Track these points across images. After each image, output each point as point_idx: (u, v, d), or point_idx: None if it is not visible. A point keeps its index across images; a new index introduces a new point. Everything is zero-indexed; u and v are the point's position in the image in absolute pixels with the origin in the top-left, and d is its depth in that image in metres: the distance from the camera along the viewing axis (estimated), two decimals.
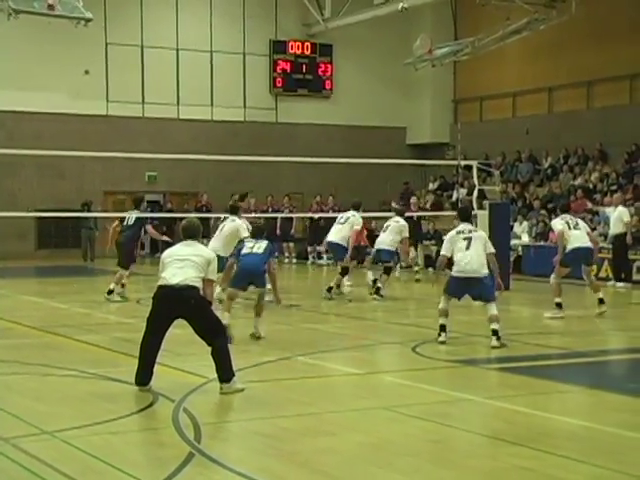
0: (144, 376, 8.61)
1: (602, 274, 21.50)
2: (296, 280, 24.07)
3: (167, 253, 8.89)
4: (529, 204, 26.83)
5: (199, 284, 8.57)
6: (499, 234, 17.85)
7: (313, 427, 7.45)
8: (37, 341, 12.24)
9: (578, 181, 26.88)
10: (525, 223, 25.19)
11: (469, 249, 11.74)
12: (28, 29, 25.84)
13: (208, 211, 26.47)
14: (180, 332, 9.89)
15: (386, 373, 9.89)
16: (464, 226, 12.16)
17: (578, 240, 14.57)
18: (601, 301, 14.90)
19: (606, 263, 21.39)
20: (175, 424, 7.39)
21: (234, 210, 15.76)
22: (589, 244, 14.73)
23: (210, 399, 8.47)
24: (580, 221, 15.07)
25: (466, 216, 12.42)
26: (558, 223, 14.88)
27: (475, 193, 21.60)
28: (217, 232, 15.53)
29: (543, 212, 25.58)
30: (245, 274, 11.85)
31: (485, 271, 11.79)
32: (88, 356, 10.84)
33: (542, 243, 23.86)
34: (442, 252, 12.12)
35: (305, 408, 8.11)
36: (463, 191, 26.97)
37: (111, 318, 14.53)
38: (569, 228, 14.65)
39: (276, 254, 22.95)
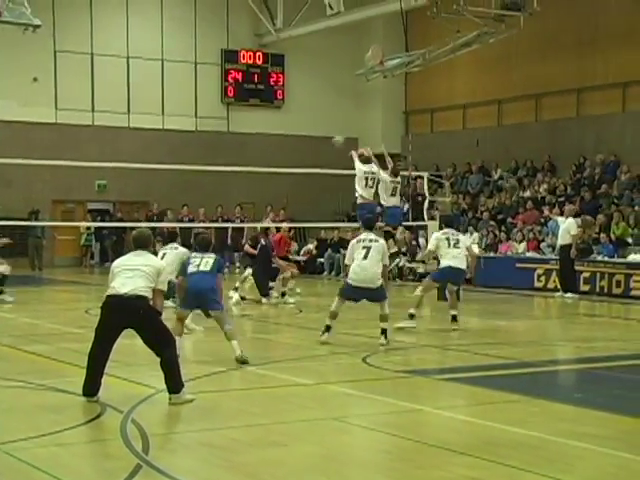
0: (92, 387, 8.50)
1: (550, 285, 21.77)
2: (248, 290, 23.92)
3: (117, 263, 8.78)
4: (479, 215, 27.07)
5: (149, 294, 8.50)
6: None
7: (262, 438, 7.41)
8: None
9: (527, 193, 27.18)
10: (475, 234, 25.41)
11: (366, 259, 12.30)
12: None
13: (159, 220, 26.38)
14: (129, 342, 9.83)
15: (336, 384, 9.82)
16: (365, 235, 12.73)
17: (453, 259, 14.23)
18: (454, 318, 14.36)
19: (554, 274, 21.64)
20: (123, 435, 7.30)
21: (173, 237, 15.20)
22: (462, 265, 14.41)
23: (159, 410, 8.39)
24: (462, 238, 14.78)
25: (369, 225, 13.09)
26: (435, 238, 14.63)
27: (426, 204, 21.78)
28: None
29: (493, 223, 25.83)
30: (193, 296, 10.96)
31: (379, 282, 12.43)
32: (35, 367, 10.71)
33: (492, 254, 24.08)
34: (346, 261, 12.82)
35: (255, 419, 8.05)
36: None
37: (59, 328, 14.35)
38: (448, 245, 14.29)
39: (226, 265, 22.82)
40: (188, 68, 31.58)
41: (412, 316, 14.21)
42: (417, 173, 25.18)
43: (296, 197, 30.31)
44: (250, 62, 32.43)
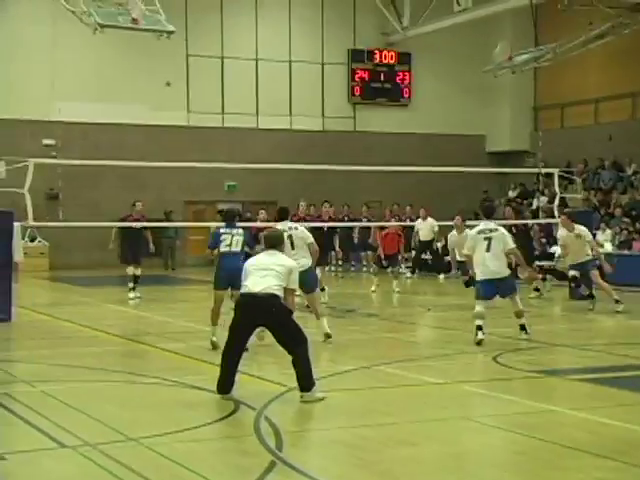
0: (226, 384, 8.64)
1: None
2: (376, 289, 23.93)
3: (250, 262, 8.96)
4: (612, 212, 26.35)
5: (280, 293, 8.60)
6: None
7: (394, 436, 7.39)
8: (121, 349, 12.44)
9: None
10: (608, 231, 24.73)
11: (489, 251, 12.09)
12: (111, 42, 26.29)
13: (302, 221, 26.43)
14: (260, 340, 9.97)
15: (467, 383, 9.68)
16: (485, 225, 12.44)
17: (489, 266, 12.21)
18: (522, 327, 12.68)
19: None
20: (257, 432, 7.39)
21: (285, 214, 13.77)
22: (503, 273, 12.30)
23: (291, 408, 8.46)
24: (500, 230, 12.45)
25: (489, 213, 12.69)
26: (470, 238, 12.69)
27: (556, 201, 21.32)
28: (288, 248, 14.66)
29: (626, 220, 25.08)
30: (227, 276, 11.59)
31: (507, 272, 12.30)
32: (171, 364, 10.91)
33: (626, 252, 23.38)
34: (465, 251, 12.47)
35: (385, 417, 8.04)
36: (544, 199, 26.64)
37: (192, 326, 14.50)
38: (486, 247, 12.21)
39: (352, 264, 22.91)
40: (315, 69, 31.82)
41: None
42: (547, 170, 24.67)
43: (423, 195, 30.09)
44: (377, 61, 32.44)
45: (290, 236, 12.32)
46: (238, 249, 11.73)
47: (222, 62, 30.68)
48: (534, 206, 27.78)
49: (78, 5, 23.23)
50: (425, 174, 27.30)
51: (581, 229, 16.42)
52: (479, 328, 12.12)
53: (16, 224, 15.29)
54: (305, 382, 8.53)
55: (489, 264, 12.15)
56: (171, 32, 23.62)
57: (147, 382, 9.64)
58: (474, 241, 12.37)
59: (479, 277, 12.34)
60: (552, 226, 23.62)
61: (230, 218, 12.17)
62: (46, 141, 28.52)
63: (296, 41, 31.56)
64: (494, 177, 31.60)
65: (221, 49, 30.63)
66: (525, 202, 29.42)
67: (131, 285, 18.97)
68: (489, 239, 12.17)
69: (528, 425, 7.74)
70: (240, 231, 11.99)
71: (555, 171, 22.45)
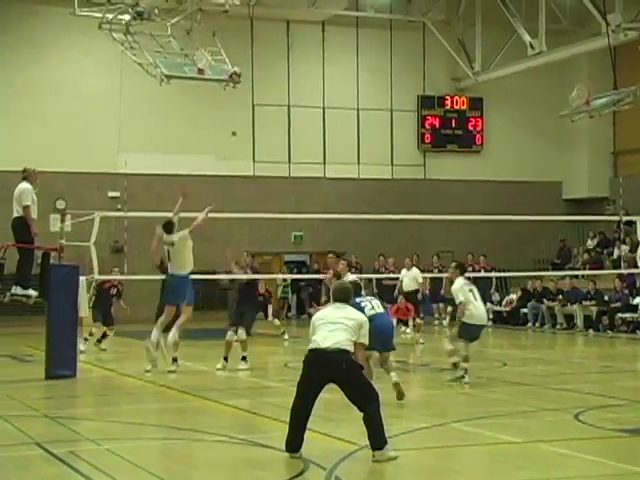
0: (295, 442, 8.42)
1: None
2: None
3: (318, 315, 8.83)
4: None
5: (350, 348, 8.46)
6: None
7: None
8: (187, 405, 12.21)
9: None
10: None
11: (477, 299, 13.42)
12: (176, 92, 26.22)
13: (358, 271, 25.77)
14: (330, 397, 9.61)
15: (548, 442, 9.08)
16: (464, 280, 13.60)
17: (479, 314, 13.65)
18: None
19: None
20: None
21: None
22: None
23: (362, 467, 8.21)
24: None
25: (464, 270, 13.98)
26: (460, 290, 13.53)
27: (639, 250, 20.39)
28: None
29: None
30: (387, 336, 11.77)
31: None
32: (237, 421, 10.83)
33: None
34: (462, 299, 13.37)
35: (462, 478, 7.79)
36: (625, 248, 25.67)
37: (259, 382, 14.44)
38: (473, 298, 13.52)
39: (421, 317, 22.38)
40: (384, 116, 31.42)
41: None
42: (628, 217, 23.65)
43: (496, 245, 29.22)
44: (448, 107, 31.97)
45: (472, 290, 13.52)
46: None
47: (289, 110, 30.47)
48: (615, 256, 26.69)
49: (144, 57, 23.25)
50: (499, 222, 26.43)
51: None
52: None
53: (82, 278, 15.22)
54: (377, 441, 8.24)
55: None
56: (237, 82, 23.37)
57: (213, 440, 9.42)
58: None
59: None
60: (635, 276, 22.62)
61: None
62: (111, 193, 28.51)
63: (364, 88, 31.23)
64: (572, 225, 30.58)
65: (287, 97, 30.46)
66: (605, 251, 28.29)
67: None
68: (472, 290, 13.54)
69: None
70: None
71: (637, 219, 21.51)
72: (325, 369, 8.36)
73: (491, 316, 26.87)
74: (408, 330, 22.89)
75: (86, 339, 18.38)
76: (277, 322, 22.74)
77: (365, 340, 8.67)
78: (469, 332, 13.41)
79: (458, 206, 28.46)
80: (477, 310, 13.35)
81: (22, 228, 14.16)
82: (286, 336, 21.55)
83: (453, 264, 14.13)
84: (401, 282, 22.99)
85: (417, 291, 23.05)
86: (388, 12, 31.10)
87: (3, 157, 26.81)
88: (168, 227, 15.59)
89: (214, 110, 28.91)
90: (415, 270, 23.05)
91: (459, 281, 13.46)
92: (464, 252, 28.07)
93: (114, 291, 19.28)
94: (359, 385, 8.40)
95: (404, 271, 23.24)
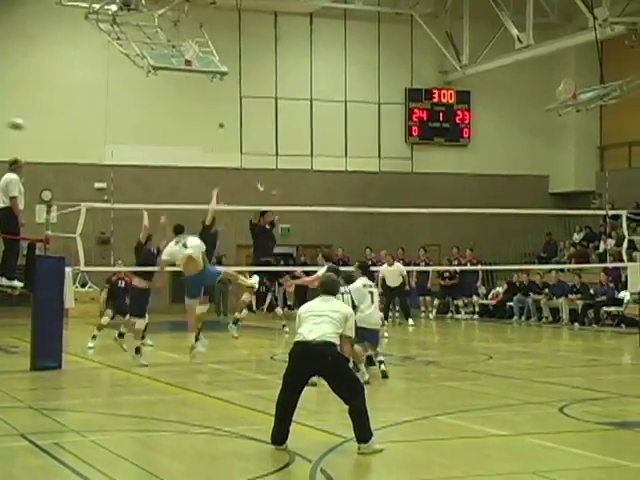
0: (280, 435, 8.41)
1: None
2: (435, 335, 23.12)
3: (304, 308, 8.80)
4: None
5: (336, 340, 8.45)
6: None
7: None
8: (173, 397, 12.15)
9: None
10: None
11: (374, 303, 12.84)
12: (164, 85, 26.15)
13: (345, 264, 25.73)
14: (316, 389, 10.02)
15: (533, 435, 9.09)
16: (365, 280, 12.97)
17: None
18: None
19: None
20: None
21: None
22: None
23: (348, 460, 8.18)
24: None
25: (366, 270, 13.28)
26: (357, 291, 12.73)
27: (625, 244, 20.41)
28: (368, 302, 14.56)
29: None
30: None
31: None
32: (223, 413, 10.75)
33: None
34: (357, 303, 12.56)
35: (448, 471, 7.72)
36: (611, 242, 25.72)
37: (245, 374, 14.38)
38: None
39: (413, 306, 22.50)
40: (371, 109, 31.31)
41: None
42: (614, 211, 23.68)
43: (483, 238, 29.23)
44: (435, 100, 31.91)
45: (371, 292, 12.86)
46: None
47: (276, 103, 30.35)
48: (601, 249, 26.75)
49: (131, 48, 23.16)
50: (486, 216, 26.42)
51: None
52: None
53: (68, 269, 15.10)
54: (362, 433, 8.25)
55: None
56: (224, 73, 23.39)
57: (199, 432, 9.43)
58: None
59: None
60: (620, 270, 22.65)
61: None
62: (98, 185, 28.42)
63: (351, 80, 31.12)
64: (558, 219, 30.58)
65: (275, 90, 30.32)
66: (591, 245, 28.37)
67: None
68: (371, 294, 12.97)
69: None
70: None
71: (623, 213, 21.53)
72: (311, 362, 8.36)
73: (477, 309, 27.07)
74: (410, 321, 23.24)
75: (94, 336, 17.91)
76: (280, 312, 22.34)
77: (351, 333, 8.67)
78: (359, 335, 12.69)
79: (445, 199, 28.41)
80: (369, 316, 12.67)
81: (7, 219, 14.06)
82: (287, 329, 21.15)
83: (356, 263, 13.78)
84: (382, 279, 22.87)
85: (403, 284, 23.09)
86: (376, 4, 31.06)
87: None
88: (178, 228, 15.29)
89: (201, 102, 28.75)
90: (397, 265, 22.99)
91: (360, 281, 12.81)
92: (451, 245, 28.14)
93: (122, 284, 18.86)
94: (345, 378, 8.41)
95: (385, 267, 23.16)
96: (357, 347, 11.68)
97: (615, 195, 26.27)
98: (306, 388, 8.51)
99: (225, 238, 28.93)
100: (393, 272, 22.86)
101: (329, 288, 8.94)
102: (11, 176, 14.09)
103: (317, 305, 8.76)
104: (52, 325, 14.40)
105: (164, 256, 15.04)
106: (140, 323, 15.72)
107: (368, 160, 31.01)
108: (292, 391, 8.42)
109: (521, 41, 27.79)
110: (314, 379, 10.05)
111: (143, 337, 15.87)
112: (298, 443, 8.37)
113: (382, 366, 13.10)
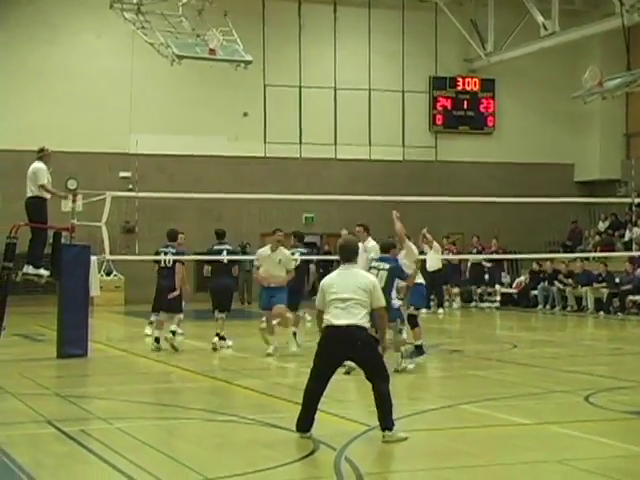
0: (306, 423, 8.37)
1: None
2: (460, 324, 23.07)
3: (327, 281, 8.47)
4: None
5: (366, 322, 8.31)
6: None
7: None
8: (197, 385, 12.25)
9: None
10: None
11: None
12: (188, 74, 26.17)
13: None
14: (339, 378, 9.61)
15: (558, 424, 9.08)
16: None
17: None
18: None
19: None
20: (337, 474, 7.15)
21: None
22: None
23: (372, 448, 8.17)
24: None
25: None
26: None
27: None
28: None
29: None
30: None
31: None
32: (248, 401, 10.79)
33: None
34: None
35: (472, 459, 7.66)
36: (637, 230, 25.57)
37: (271, 362, 14.32)
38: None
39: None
40: (395, 97, 31.21)
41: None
42: None
43: (507, 227, 29.11)
44: (460, 88, 31.78)
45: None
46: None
47: (300, 92, 30.33)
48: (626, 238, 26.58)
49: (155, 37, 23.20)
50: (510, 205, 26.30)
51: None
52: None
53: (93, 258, 15.16)
54: (386, 421, 8.22)
55: None
56: (249, 62, 23.40)
57: (224, 420, 9.45)
58: None
59: None
60: None
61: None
62: (123, 174, 28.53)
63: (375, 69, 31.03)
64: (583, 207, 30.44)
65: (299, 78, 30.31)
66: (617, 233, 28.19)
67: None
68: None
69: (624, 470, 7.25)
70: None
71: None
72: (341, 347, 8.27)
73: (498, 298, 26.87)
74: (440, 310, 23.10)
75: (151, 322, 17.16)
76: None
77: (380, 302, 8.42)
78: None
79: (469, 188, 28.23)
80: None
81: (35, 207, 14.13)
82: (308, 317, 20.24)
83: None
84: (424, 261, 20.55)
85: (440, 270, 20.97)
86: None
87: (15, 137, 26.88)
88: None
89: (225, 91, 28.80)
90: (436, 245, 20.50)
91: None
92: (474, 234, 28.04)
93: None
94: (374, 362, 8.35)
95: (426, 249, 19.20)
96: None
97: None
98: (334, 376, 8.44)
99: (249, 226, 29.16)
100: (434, 255, 20.02)
101: (349, 252, 8.55)
102: (38, 165, 14.17)
103: (339, 281, 8.39)
104: (78, 313, 14.49)
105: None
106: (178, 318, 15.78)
107: (392, 149, 30.93)
108: (321, 378, 8.35)
109: (546, 28, 27.62)
110: (350, 364, 10.00)
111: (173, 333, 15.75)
112: (323, 431, 8.36)
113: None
